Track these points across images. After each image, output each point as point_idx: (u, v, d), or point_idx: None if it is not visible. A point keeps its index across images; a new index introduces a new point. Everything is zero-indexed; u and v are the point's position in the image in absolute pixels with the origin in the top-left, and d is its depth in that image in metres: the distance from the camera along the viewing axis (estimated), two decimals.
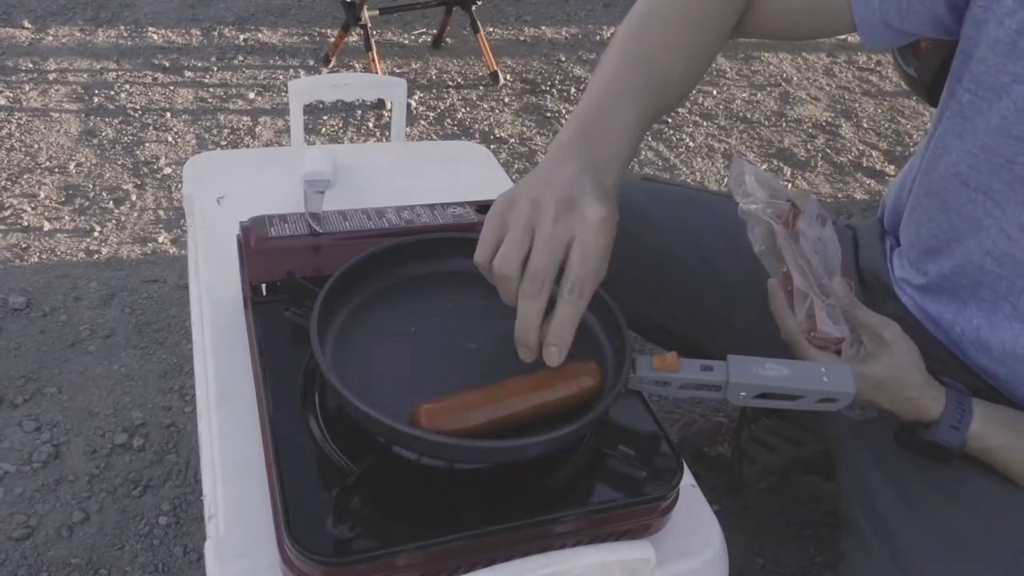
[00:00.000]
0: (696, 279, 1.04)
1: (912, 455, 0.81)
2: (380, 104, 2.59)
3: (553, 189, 0.64)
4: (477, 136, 2.53)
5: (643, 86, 0.76)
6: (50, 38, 2.90)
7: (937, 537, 0.79)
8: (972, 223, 0.81)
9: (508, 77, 2.88)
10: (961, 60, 0.81)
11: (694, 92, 2.89)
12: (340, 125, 2.51)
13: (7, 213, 2.02)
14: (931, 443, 0.78)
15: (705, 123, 2.72)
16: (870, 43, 0.88)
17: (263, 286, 0.82)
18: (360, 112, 2.57)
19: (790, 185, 2.44)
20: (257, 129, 2.46)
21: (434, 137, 2.50)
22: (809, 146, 2.65)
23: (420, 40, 3.12)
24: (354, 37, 2.79)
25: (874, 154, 2.65)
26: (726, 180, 2.42)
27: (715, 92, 2.92)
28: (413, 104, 2.66)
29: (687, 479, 0.74)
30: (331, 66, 2.83)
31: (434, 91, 2.77)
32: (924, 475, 0.83)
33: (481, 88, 2.81)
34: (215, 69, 2.78)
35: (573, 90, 2.85)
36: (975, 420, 0.77)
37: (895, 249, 0.99)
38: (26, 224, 1.99)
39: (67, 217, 2.03)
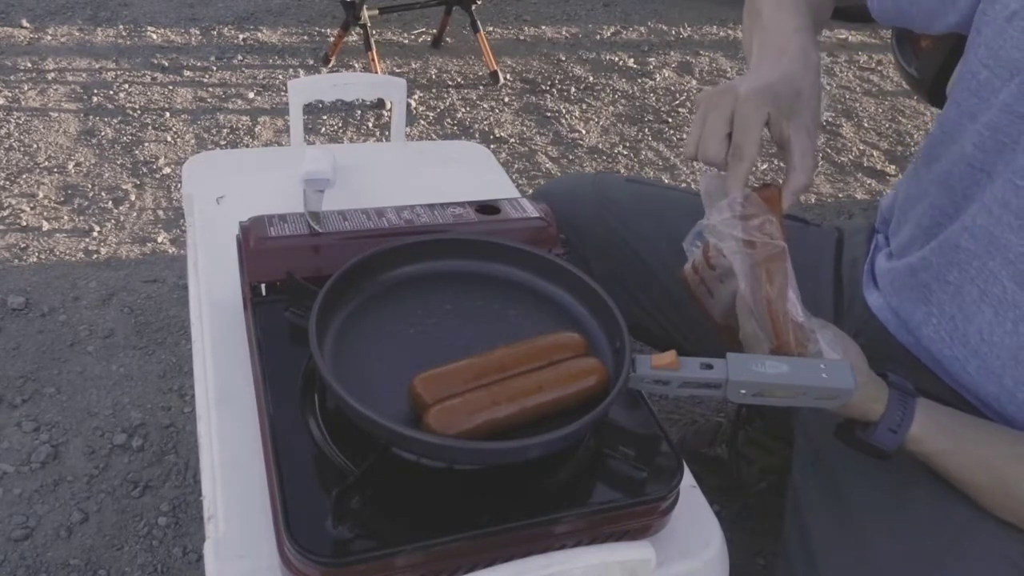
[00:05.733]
0: (675, 280, 1.05)
1: (850, 451, 0.80)
2: (380, 104, 2.59)
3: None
4: (477, 136, 2.53)
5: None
6: (49, 37, 2.90)
7: (853, 555, 0.79)
8: (971, 202, 0.81)
9: (508, 77, 2.88)
10: (973, 35, 0.81)
11: (694, 91, 2.89)
12: (340, 125, 2.51)
13: (6, 213, 2.02)
14: (867, 443, 0.77)
15: None
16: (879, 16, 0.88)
17: (263, 286, 0.82)
18: (360, 112, 2.56)
19: None
20: (257, 129, 2.46)
21: (434, 137, 2.50)
22: None
23: (420, 40, 3.12)
24: (354, 37, 2.79)
25: (875, 154, 2.65)
26: None
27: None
28: (413, 104, 2.66)
29: (687, 479, 0.74)
30: (331, 66, 2.83)
31: (434, 91, 2.77)
32: (859, 486, 0.82)
33: (481, 88, 2.80)
34: (214, 69, 2.78)
35: (573, 89, 2.85)
36: (915, 423, 0.75)
37: (881, 249, 0.99)
38: (25, 224, 1.98)
39: (66, 217, 2.02)
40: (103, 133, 2.37)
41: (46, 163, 2.22)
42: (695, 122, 0.77)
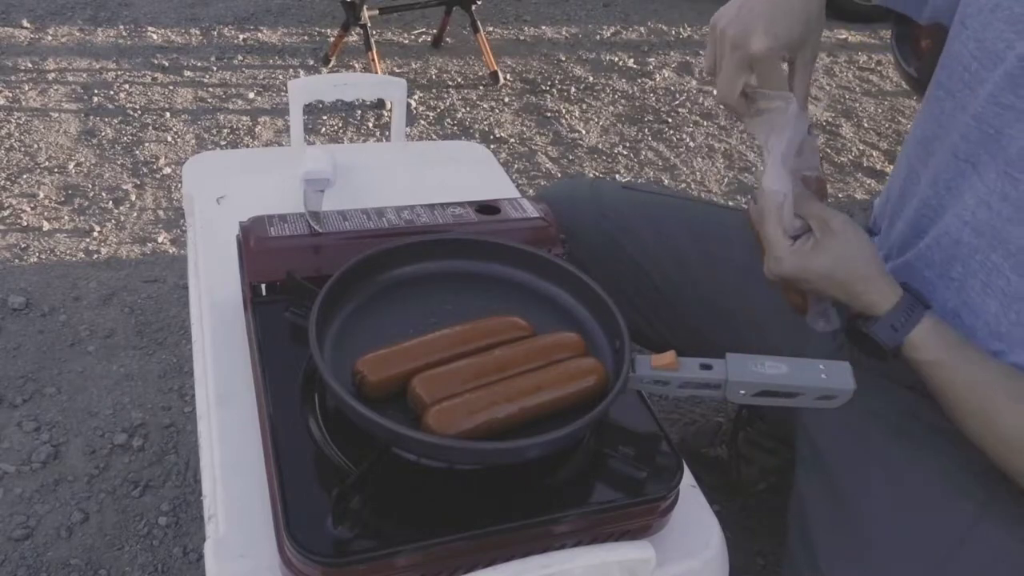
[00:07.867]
0: (672, 286, 1.05)
1: (850, 452, 0.81)
2: (380, 104, 2.59)
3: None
4: (477, 136, 2.53)
5: None
6: (49, 38, 2.90)
7: (855, 548, 0.79)
8: (955, 194, 0.82)
9: (508, 77, 2.88)
10: (957, 27, 0.82)
11: (694, 92, 2.89)
12: (340, 125, 2.51)
13: (6, 213, 2.02)
14: (869, 338, 0.78)
15: (705, 123, 2.71)
16: None
17: (263, 286, 0.82)
18: (360, 112, 2.57)
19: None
20: (257, 129, 2.46)
21: (434, 137, 2.50)
22: None
23: (420, 40, 3.12)
24: (354, 37, 2.79)
25: (874, 154, 2.65)
26: (726, 180, 2.42)
27: (715, 92, 2.92)
28: (413, 104, 2.66)
29: (687, 479, 0.74)
30: (331, 66, 2.83)
31: (434, 91, 2.77)
32: (859, 487, 0.83)
33: (481, 88, 2.81)
34: (215, 69, 2.78)
35: (573, 89, 2.85)
36: (919, 328, 0.76)
37: (880, 249, 0.99)
38: (25, 224, 1.99)
39: (66, 217, 2.02)
40: (103, 133, 2.37)
41: (47, 163, 2.22)
42: (709, 51, 0.86)
